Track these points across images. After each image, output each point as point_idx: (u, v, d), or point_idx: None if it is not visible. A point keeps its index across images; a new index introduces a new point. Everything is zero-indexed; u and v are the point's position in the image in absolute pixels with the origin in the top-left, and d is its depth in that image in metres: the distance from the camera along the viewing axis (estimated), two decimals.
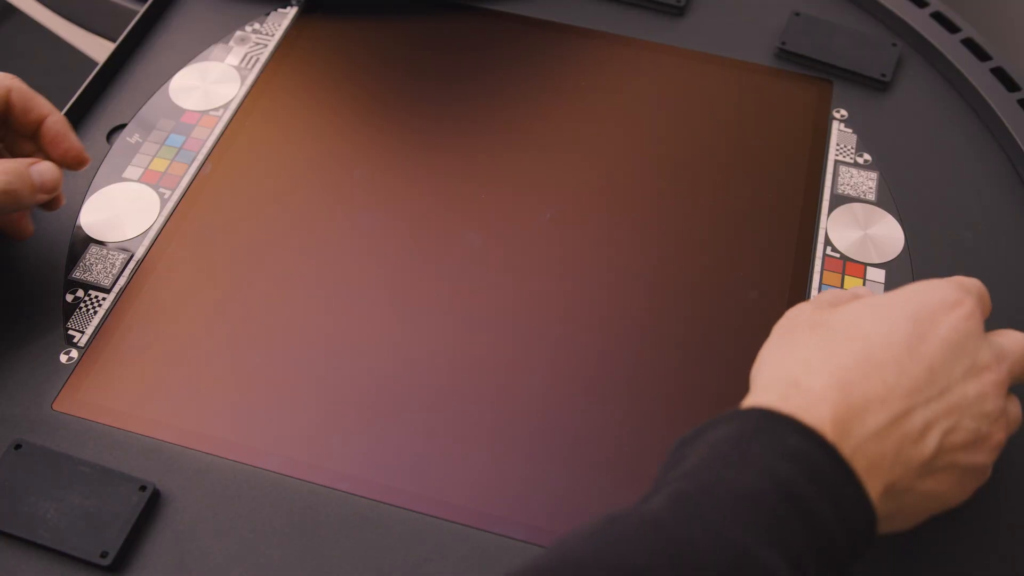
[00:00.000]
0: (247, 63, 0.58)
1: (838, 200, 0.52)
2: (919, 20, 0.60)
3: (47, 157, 0.48)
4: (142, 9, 0.59)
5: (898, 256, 0.50)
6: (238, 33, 0.59)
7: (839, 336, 0.37)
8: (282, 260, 0.50)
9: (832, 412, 0.34)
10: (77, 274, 0.49)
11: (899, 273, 0.50)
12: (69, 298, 0.48)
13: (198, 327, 0.47)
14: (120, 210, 0.51)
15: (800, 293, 0.49)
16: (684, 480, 0.33)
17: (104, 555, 0.40)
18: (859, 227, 0.51)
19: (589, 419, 0.45)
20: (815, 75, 0.58)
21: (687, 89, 0.57)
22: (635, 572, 0.29)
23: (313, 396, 0.45)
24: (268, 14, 0.60)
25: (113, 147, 0.54)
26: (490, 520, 0.42)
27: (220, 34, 0.59)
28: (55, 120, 0.47)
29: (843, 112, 0.56)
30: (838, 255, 0.50)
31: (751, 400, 0.37)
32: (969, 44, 0.59)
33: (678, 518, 0.32)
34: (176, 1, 0.61)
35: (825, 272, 0.49)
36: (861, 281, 0.49)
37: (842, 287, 0.49)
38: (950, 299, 0.38)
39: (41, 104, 0.47)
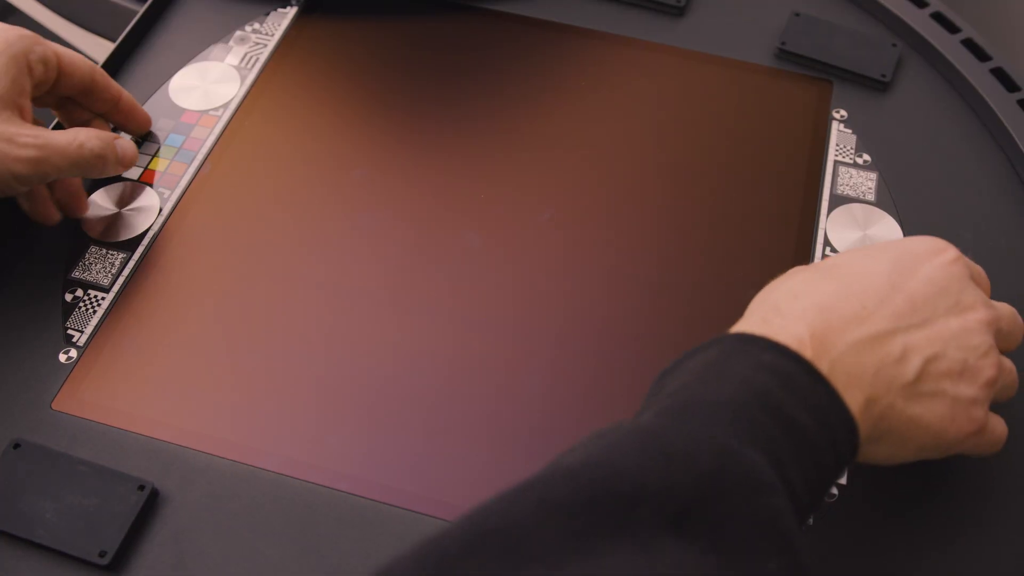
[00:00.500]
0: (247, 63, 0.58)
1: (837, 200, 0.52)
2: (919, 20, 0.60)
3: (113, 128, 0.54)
4: (142, 9, 0.59)
5: None
6: (238, 33, 0.59)
7: (823, 271, 0.39)
8: (281, 260, 0.50)
9: (809, 329, 0.36)
10: (77, 273, 0.49)
11: None
12: (68, 297, 0.48)
13: (197, 327, 0.47)
14: (120, 210, 0.51)
15: None
16: (666, 399, 0.34)
17: (103, 554, 0.40)
18: (858, 228, 0.51)
19: (587, 419, 0.45)
20: (815, 75, 0.58)
21: (687, 89, 0.57)
22: (625, 472, 0.30)
23: (312, 395, 0.45)
24: (268, 14, 0.60)
25: None
26: None
27: (220, 34, 0.59)
28: (128, 96, 0.53)
29: (843, 112, 0.56)
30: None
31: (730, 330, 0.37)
32: (969, 44, 0.59)
33: (663, 426, 0.32)
34: (176, 1, 0.61)
35: None
36: None
37: None
38: (937, 246, 0.40)
39: (114, 83, 0.52)
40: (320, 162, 0.54)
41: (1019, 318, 0.42)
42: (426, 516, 0.42)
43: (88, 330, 0.47)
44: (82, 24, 0.75)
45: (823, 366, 0.35)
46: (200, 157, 0.54)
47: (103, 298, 0.48)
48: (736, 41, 0.60)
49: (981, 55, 0.58)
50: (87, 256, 0.49)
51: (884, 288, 0.37)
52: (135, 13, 0.59)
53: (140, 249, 0.50)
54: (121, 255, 0.49)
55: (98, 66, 0.52)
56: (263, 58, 0.58)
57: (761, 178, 0.53)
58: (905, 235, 0.51)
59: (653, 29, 0.60)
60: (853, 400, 0.35)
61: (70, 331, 0.47)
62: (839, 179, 0.53)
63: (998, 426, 0.40)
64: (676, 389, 0.34)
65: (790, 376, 0.34)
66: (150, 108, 0.56)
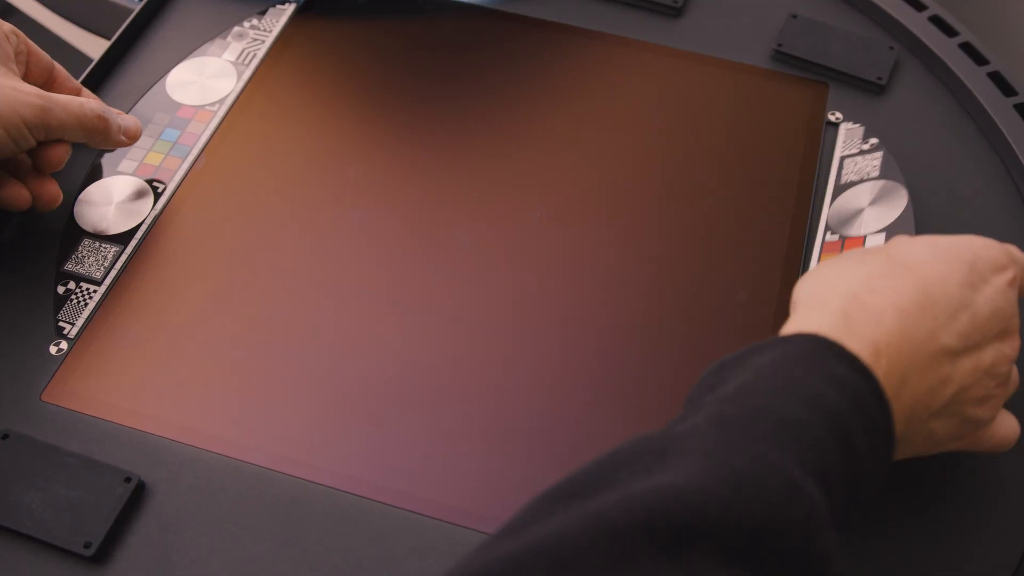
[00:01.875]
0: (244, 59, 0.58)
1: (841, 189, 0.52)
2: (916, 24, 0.60)
3: None
4: (139, 6, 0.59)
5: (901, 215, 0.49)
6: (236, 29, 0.59)
7: (897, 264, 0.38)
8: (273, 255, 0.50)
9: (887, 337, 0.35)
10: (69, 266, 0.49)
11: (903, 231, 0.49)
12: (60, 290, 0.48)
13: (188, 321, 0.47)
14: (114, 203, 0.51)
15: (786, 296, 0.48)
16: (727, 403, 0.32)
17: (87, 546, 0.39)
18: (859, 204, 0.51)
19: (581, 417, 0.44)
20: (811, 77, 0.58)
21: (683, 90, 0.57)
22: (687, 497, 0.28)
23: (300, 391, 0.45)
24: (266, 10, 0.61)
25: None
26: (474, 517, 0.41)
27: (217, 30, 0.59)
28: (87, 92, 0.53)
29: (838, 115, 0.56)
30: (837, 237, 0.50)
31: (797, 322, 0.36)
32: (966, 48, 0.58)
33: (729, 444, 0.30)
34: None
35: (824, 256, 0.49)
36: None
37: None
38: (1000, 261, 0.39)
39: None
40: (315, 159, 0.54)
41: None
42: (411, 513, 0.41)
43: (79, 323, 0.47)
44: (81, 24, 0.75)
45: (891, 388, 0.34)
46: (195, 152, 0.54)
47: (95, 291, 0.48)
48: (733, 42, 0.60)
49: (978, 59, 0.58)
50: (80, 249, 0.49)
51: (956, 301, 0.37)
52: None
53: (133, 243, 0.50)
54: (114, 248, 0.49)
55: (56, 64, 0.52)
56: (260, 54, 0.58)
57: (755, 179, 0.53)
58: (909, 194, 0.50)
59: (650, 30, 0.60)
60: (900, 413, 0.35)
61: (61, 323, 0.47)
62: (844, 170, 0.53)
63: (1001, 429, 0.40)
64: (739, 390, 0.33)
65: (859, 396, 0.33)
66: (147, 102, 0.56)
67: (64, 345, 0.46)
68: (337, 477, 0.42)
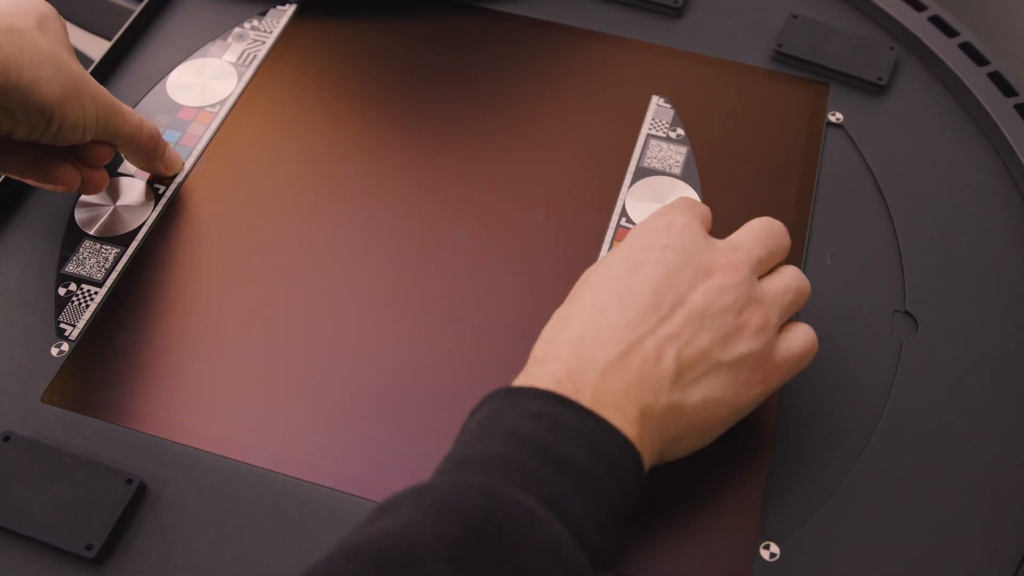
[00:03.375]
0: (244, 60, 0.58)
1: (643, 173, 0.52)
2: (916, 24, 0.60)
3: None
4: (139, 7, 0.59)
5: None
6: (236, 30, 0.59)
7: (570, 302, 0.40)
8: (274, 256, 0.50)
9: (565, 368, 0.36)
10: (70, 268, 0.49)
11: None
12: (61, 291, 0.48)
13: (189, 322, 0.47)
14: (115, 205, 0.51)
15: None
16: (446, 461, 0.35)
17: (89, 547, 0.40)
18: (657, 196, 0.52)
19: None
20: (811, 78, 0.58)
21: (683, 90, 0.57)
22: (400, 532, 0.30)
23: (302, 392, 0.45)
24: (266, 11, 0.61)
25: None
26: None
27: (218, 31, 0.59)
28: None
29: (838, 115, 0.56)
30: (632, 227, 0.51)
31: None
32: (967, 48, 0.58)
33: (434, 483, 0.33)
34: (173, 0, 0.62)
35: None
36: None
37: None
38: (660, 224, 0.40)
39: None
40: (315, 159, 0.54)
41: (771, 229, 0.42)
42: None
43: (80, 324, 0.47)
44: (82, 24, 0.75)
45: (586, 398, 0.35)
46: (196, 153, 0.54)
47: (96, 293, 0.48)
48: (733, 43, 0.60)
49: (979, 59, 0.58)
50: (81, 250, 0.49)
51: (622, 293, 0.38)
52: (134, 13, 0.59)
53: (134, 244, 0.50)
54: (115, 250, 0.50)
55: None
56: (261, 55, 0.58)
57: (756, 180, 0.53)
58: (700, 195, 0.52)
59: (650, 30, 0.60)
60: (627, 418, 0.35)
61: (62, 325, 0.47)
62: (648, 151, 0.54)
63: (796, 342, 0.40)
64: (454, 450, 0.35)
65: (557, 418, 0.34)
66: (147, 104, 0.56)
67: (65, 347, 0.46)
68: (339, 478, 0.42)
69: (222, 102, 0.56)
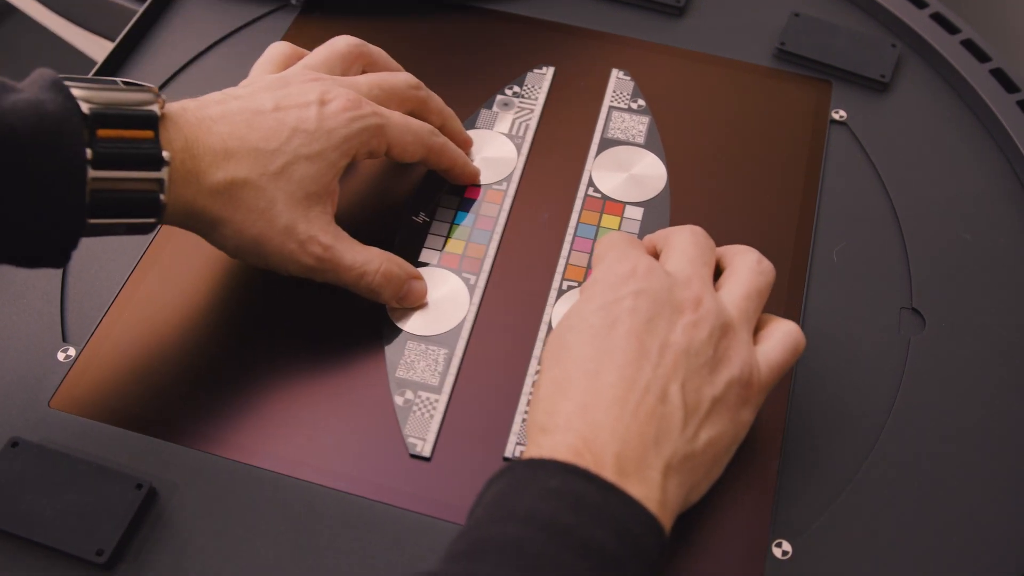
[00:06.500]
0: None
1: (607, 144, 0.52)
2: (919, 21, 0.60)
3: None
4: (141, 8, 0.59)
5: (659, 195, 0.52)
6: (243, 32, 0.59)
7: (557, 364, 0.38)
8: None
9: (582, 439, 0.35)
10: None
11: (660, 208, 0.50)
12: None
13: (197, 326, 0.47)
14: None
15: (798, 298, 0.49)
16: (459, 540, 0.33)
17: (100, 553, 0.39)
18: (622, 169, 0.51)
19: None
20: (814, 76, 0.58)
21: (686, 89, 0.57)
22: None
23: (311, 395, 0.45)
24: (267, 14, 0.60)
25: None
26: None
27: (222, 31, 0.59)
28: (458, 151, 0.51)
29: (842, 113, 0.56)
30: (599, 195, 0.50)
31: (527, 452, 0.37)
32: (969, 45, 0.59)
33: (453, 574, 0.32)
34: (176, 0, 0.61)
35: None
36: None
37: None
38: (623, 271, 0.39)
39: (449, 149, 0.50)
40: None
41: (697, 242, 0.41)
42: (425, 516, 0.42)
43: (88, 329, 0.47)
44: (82, 24, 0.75)
45: (607, 469, 0.34)
46: None
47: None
48: (736, 41, 0.60)
49: (981, 56, 0.58)
50: None
51: (610, 350, 0.37)
52: (135, 13, 0.59)
53: (140, 247, 0.50)
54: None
55: (433, 139, 0.48)
56: None
57: (760, 178, 0.53)
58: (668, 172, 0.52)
59: (653, 29, 0.60)
60: (650, 485, 0.34)
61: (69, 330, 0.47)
62: (611, 123, 0.55)
63: (774, 352, 0.39)
64: (470, 527, 0.34)
65: (579, 496, 0.33)
66: None
67: (72, 352, 0.46)
68: (350, 481, 0.42)
69: None
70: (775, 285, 0.49)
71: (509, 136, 0.54)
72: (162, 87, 0.57)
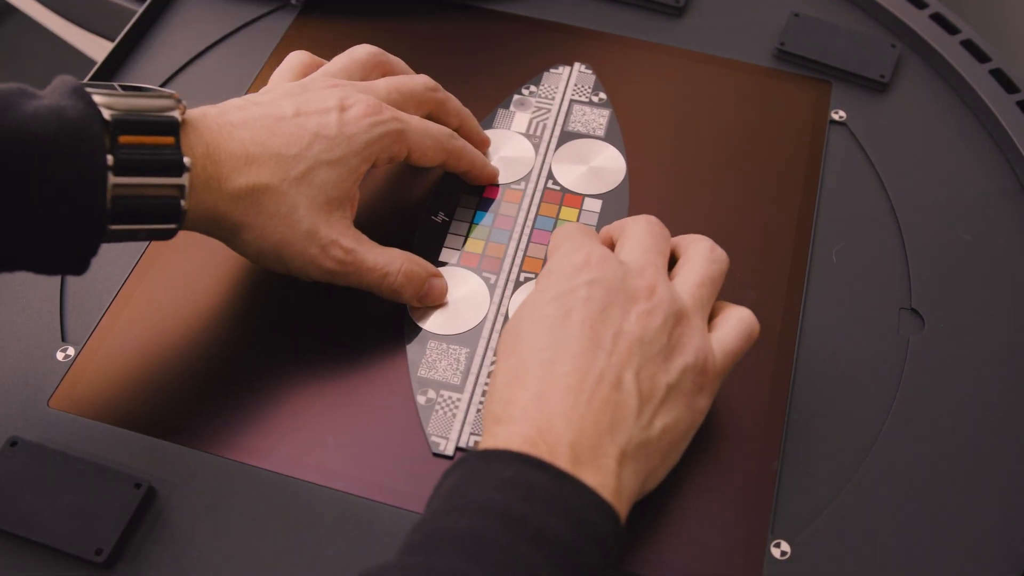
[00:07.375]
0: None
1: (567, 137, 0.52)
2: (918, 21, 0.60)
3: None
4: (141, 8, 0.59)
5: (618, 187, 0.52)
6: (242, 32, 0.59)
7: (513, 353, 0.38)
8: None
9: (536, 428, 0.35)
10: None
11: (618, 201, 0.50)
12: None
13: (196, 325, 0.47)
14: None
15: (797, 298, 0.49)
16: (415, 532, 0.33)
17: (99, 552, 0.39)
18: (582, 160, 0.51)
19: None
20: (814, 76, 0.58)
21: (685, 89, 0.57)
22: None
23: (310, 394, 0.45)
24: (267, 14, 0.60)
25: None
26: None
27: (223, 31, 0.59)
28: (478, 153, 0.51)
29: (842, 113, 0.56)
30: (559, 188, 0.50)
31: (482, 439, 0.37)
32: (968, 46, 0.59)
33: (403, 565, 0.32)
34: (175, 0, 0.61)
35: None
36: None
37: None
38: (577, 260, 0.39)
39: (466, 153, 0.50)
40: None
41: (651, 230, 0.42)
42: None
43: (87, 328, 0.47)
44: (82, 24, 0.75)
45: (562, 458, 0.34)
46: None
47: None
48: (735, 41, 0.60)
49: (981, 56, 0.58)
50: None
51: (564, 339, 0.37)
52: (135, 13, 0.59)
53: (143, 248, 0.50)
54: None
55: (452, 143, 0.49)
56: (263, 59, 0.58)
57: (759, 179, 0.53)
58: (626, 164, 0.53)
59: (652, 29, 0.60)
60: (604, 473, 0.34)
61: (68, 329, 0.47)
62: (572, 116, 0.55)
63: (728, 339, 0.40)
64: (425, 519, 0.34)
65: (533, 485, 0.33)
66: None
67: (71, 351, 0.46)
68: (349, 481, 0.42)
69: None
70: (775, 285, 0.49)
71: (526, 135, 0.55)
72: (162, 87, 0.56)
